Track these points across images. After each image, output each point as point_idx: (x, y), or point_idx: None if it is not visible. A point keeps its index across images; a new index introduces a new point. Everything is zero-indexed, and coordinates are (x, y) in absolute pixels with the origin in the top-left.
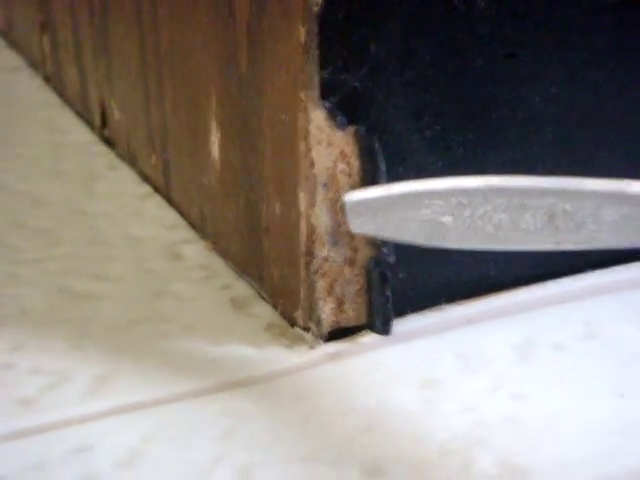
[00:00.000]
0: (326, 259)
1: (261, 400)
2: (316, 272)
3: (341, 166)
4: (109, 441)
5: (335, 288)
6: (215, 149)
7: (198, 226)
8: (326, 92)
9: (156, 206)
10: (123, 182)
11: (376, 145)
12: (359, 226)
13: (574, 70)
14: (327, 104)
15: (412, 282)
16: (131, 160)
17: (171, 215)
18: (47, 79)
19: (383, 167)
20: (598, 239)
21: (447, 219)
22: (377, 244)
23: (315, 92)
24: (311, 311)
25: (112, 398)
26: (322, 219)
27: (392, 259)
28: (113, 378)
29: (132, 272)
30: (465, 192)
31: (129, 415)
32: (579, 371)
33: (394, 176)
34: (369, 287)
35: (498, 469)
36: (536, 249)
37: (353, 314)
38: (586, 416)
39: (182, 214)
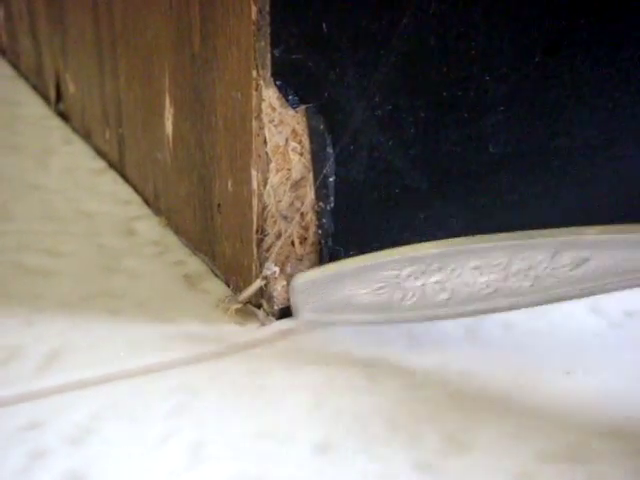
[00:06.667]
0: (278, 237)
1: (212, 377)
2: (268, 250)
3: (293, 144)
4: (60, 418)
5: (286, 266)
6: (169, 125)
7: (152, 202)
8: (278, 71)
9: (110, 181)
10: (78, 157)
11: (322, 126)
12: (308, 310)
13: (523, 50)
14: (279, 83)
15: None
16: (86, 135)
17: (125, 191)
18: (2, 51)
19: (330, 149)
20: (553, 294)
21: (397, 294)
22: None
23: (267, 71)
24: (263, 288)
25: (63, 375)
26: (274, 197)
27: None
28: (65, 354)
29: (85, 248)
30: (417, 260)
31: (80, 392)
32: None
33: (346, 155)
34: (320, 265)
35: (442, 445)
36: (489, 313)
37: None
38: (532, 392)
39: (136, 190)
